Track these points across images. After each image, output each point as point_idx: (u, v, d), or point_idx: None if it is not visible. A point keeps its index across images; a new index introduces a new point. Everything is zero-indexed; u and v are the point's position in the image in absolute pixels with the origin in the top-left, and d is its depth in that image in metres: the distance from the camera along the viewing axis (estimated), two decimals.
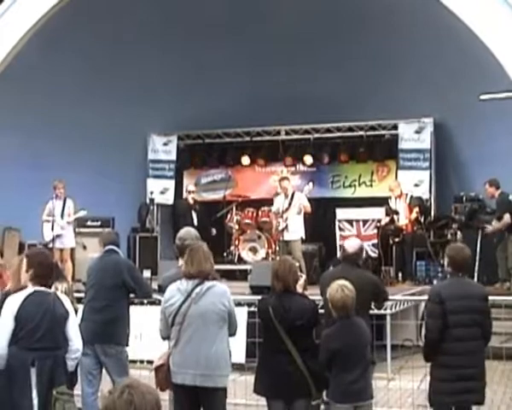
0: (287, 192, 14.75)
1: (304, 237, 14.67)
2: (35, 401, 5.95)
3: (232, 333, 6.66)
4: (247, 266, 15.88)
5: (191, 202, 16.81)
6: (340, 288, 6.60)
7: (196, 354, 6.40)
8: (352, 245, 7.80)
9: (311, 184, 15.09)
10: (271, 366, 6.73)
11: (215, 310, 6.45)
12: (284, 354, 6.63)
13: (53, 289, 6.92)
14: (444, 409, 6.91)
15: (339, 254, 15.28)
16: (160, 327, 6.71)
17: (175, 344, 6.50)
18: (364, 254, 14.98)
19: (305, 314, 6.74)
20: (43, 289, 6.19)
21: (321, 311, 7.23)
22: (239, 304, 10.59)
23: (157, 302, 10.43)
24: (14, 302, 6.07)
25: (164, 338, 6.74)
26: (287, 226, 14.39)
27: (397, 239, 15.24)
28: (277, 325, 6.65)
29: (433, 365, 6.92)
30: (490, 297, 9.40)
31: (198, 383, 6.39)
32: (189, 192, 17.20)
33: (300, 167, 19.25)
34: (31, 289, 6.16)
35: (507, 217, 13.76)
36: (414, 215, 15.27)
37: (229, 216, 17.81)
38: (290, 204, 14.51)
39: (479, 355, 6.79)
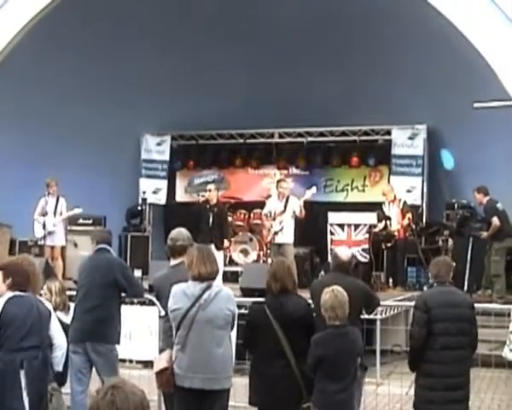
0: (283, 194, 14.70)
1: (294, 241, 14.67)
2: (26, 403, 5.93)
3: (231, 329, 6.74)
4: (238, 268, 15.89)
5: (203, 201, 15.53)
6: (331, 290, 6.62)
7: (204, 358, 6.44)
8: (345, 253, 7.82)
9: (314, 188, 15.01)
10: (265, 371, 6.75)
11: (222, 316, 6.50)
12: (279, 357, 6.66)
13: (45, 288, 6.94)
14: None
15: (330, 259, 15.30)
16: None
17: (181, 348, 6.49)
18: (354, 260, 15.12)
19: (300, 309, 6.82)
20: (21, 293, 6.18)
21: None
22: None
23: (147, 302, 10.46)
24: None
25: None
26: (282, 229, 14.36)
27: (389, 244, 15.25)
28: (273, 321, 6.67)
29: (418, 373, 6.92)
30: (479, 305, 9.43)
31: (206, 386, 6.44)
32: (208, 190, 15.65)
33: (293, 171, 19.26)
34: (11, 293, 6.14)
35: (495, 220, 13.82)
36: (406, 221, 15.28)
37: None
38: (285, 207, 14.48)
39: (465, 364, 6.79)
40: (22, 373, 5.93)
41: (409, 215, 15.33)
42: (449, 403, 6.68)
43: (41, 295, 7.13)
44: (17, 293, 6.13)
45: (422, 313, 6.82)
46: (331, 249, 15.52)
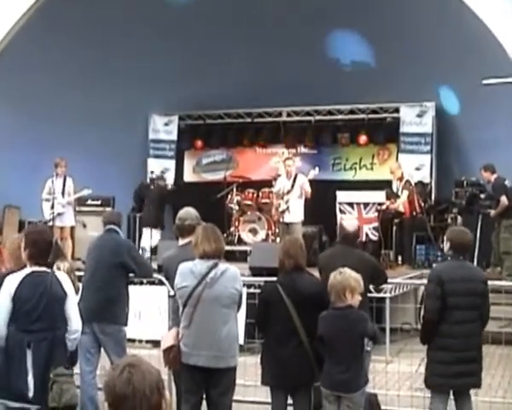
0: (290, 173, 14.70)
1: (303, 220, 14.66)
2: (30, 384, 5.92)
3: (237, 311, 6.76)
4: (247, 248, 15.89)
5: None
6: (336, 273, 6.60)
7: (209, 336, 6.46)
8: (351, 224, 7.77)
9: (317, 168, 15.02)
10: (277, 351, 6.74)
11: (228, 294, 6.50)
12: (291, 335, 6.66)
13: (54, 268, 6.90)
14: (440, 391, 6.92)
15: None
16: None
17: (187, 326, 6.53)
18: (365, 238, 15.11)
19: (313, 287, 6.80)
20: (41, 269, 6.10)
21: None
22: None
23: (157, 282, 10.45)
24: (11, 283, 6.00)
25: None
26: (288, 208, 14.36)
27: (396, 220, 15.18)
28: (286, 299, 6.66)
29: (430, 347, 6.95)
30: (489, 282, 9.42)
31: (211, 364, 6.47)
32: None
33: (301, 149, 19.23)
34: (29, 269, 6.07)
35: (503, 199, 13.79)
36: (404, 198, 15.07)
37: (229, 197, 17.79)
38: (293, 186, 14.47)
39: (476, 338, 6.83)
40: (29, 353, 5.92)
41: (406, 192, 15.11)
42: (459, 377, 6.75)
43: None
44: (35, 269, 6.06)
45: (436, 286, 6.82)
46: (339, 223, 15.50)
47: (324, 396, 6.60)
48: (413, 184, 15.65)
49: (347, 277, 6.55)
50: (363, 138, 18.47)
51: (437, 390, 6.96)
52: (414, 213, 15.30)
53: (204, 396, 6.70)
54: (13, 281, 6.02)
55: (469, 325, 6.75)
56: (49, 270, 6.22)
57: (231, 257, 15.96)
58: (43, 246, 6.20)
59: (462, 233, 7.18)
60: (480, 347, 6.90)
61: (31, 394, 5.90)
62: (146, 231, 16.13)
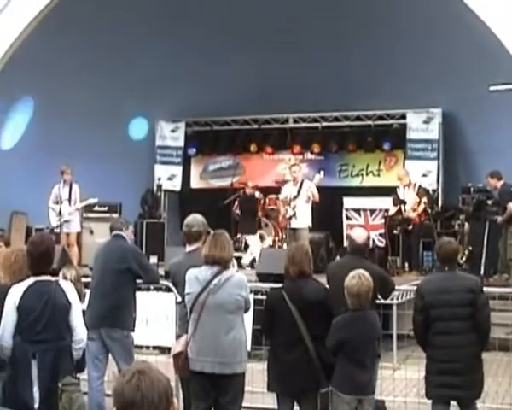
0: (296, 179, 14.68)
1: (311, 226, 14.65)
2: (36, 395, 5.90)
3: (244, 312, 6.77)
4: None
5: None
6: (358, 275, 6.61)
7: (214, 342, 6.48)
8: (360, 236, 7.76)
9: (322, 172, 15.00)
10: (283, 358, 6.75)
11: (232, 301, 6.52)
12: (297, 342, 6.66)
13: (60, 276, 6.89)
14: (435, 401, 6.93)
15: (346, 243, 15.28)
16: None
17: (193, 332, 6.56)
18: (371, 244, 15.10)
19: (318, 293, 6.81)
20: (44, 278, 6.08)
21: None
22: None
23: (164, 288, 10.47)
24: (16, 293, 5.98)
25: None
26: (295, 214, 14.35)
27: (409, 228, 15.14)
28: (291, 306, 6.67)
29: (426, 356, 7.01)
30: (496, 289, 9.36)
31: (217, 370, 6.49)
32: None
33: (308, 156, 19.23)
34: (32, 279, 6.05)
35: (510, 205, 13.75)
36: (422, 206, 15.17)
37: (236, 203, 17.80)
38: (299, 192, 14.46)
39: (466, 350, 6.74)
40: (34, 364, 5.91)
41: (424, 199, 15.23)
42: (442, 387, 6.75)
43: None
44: (39, 279, 6.03)
45: (417, 300, 6.96)
46: (347, 235, 15.51)
47: (345, 402, 6.58)
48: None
49: (369, 281, 6.59)
50: (369, 145, 18.46)
51: (433, 400, 6.98)
52: (421, 220, 15.30)
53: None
54: (17, 291, 6.01)
55: (453, 337, 6.70)
56: (53, 279, 6.21)
57: (238, 263, 15.96)
58: (36, 256, 6.14)
59: (445, 244, 7.16)
60: (472, 359, 6.78)
61: (36, 405, 5.89)
62: (250, 238, 16.85)
